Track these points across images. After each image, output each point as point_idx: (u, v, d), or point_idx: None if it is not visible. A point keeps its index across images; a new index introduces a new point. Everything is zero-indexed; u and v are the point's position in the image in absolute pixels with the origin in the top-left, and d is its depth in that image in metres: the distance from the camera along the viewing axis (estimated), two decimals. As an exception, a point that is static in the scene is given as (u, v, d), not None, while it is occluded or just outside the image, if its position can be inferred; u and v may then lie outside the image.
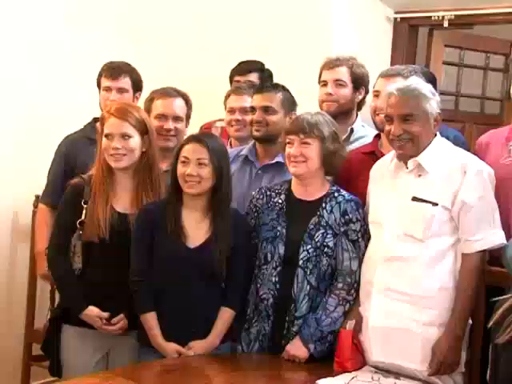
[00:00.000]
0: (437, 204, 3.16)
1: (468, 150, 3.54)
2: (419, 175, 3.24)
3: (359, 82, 4.13)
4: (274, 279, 3.36)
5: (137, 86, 4.20)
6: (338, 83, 4.10)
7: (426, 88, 3.22)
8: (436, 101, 3.22)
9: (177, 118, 3.88)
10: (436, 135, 3.29)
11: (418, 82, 3.29)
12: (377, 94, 3.85)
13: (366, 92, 4.19)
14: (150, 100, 3.99)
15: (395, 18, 5.22)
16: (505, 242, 3.12)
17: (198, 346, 3.27)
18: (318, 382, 3.03)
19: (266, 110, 3.76)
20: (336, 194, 3.42)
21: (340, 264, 3.36)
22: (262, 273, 3.39)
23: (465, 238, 3.16)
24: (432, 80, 3.93)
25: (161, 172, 3.51)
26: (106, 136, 3.34)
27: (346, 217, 3.37)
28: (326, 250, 3.34)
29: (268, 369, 3.27)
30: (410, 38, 5.27)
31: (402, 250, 3.22)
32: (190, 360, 3.22)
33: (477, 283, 3.15)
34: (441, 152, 3.25)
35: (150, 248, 3.31)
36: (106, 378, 2.97)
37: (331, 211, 3.38)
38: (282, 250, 3.37)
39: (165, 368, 3.19)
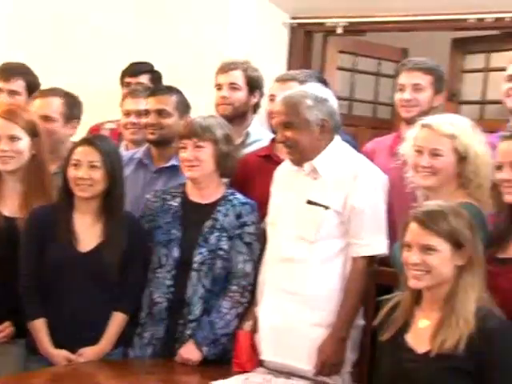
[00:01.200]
0: (328, 207, 3.21)
1: None
2: (315, 178, 3.27)
3: (254, 85, 4.14)
4: (168, 283, 3.34)
5: (32, 88, 4.08)
6: (233, 86, 4.09)
7: (310, 96, 3.25)
8: (322, 108, 3.25)
9: (47, 118, 3.73)
10: (333, 139, 3.31)
11: (303, 90, 3.32)
12: (272, 98, 3.88)
13: (261, 95, 4.20)
14: (32, 99, 3.90)
15: (291, 24, 5.28)
16: (386, 252, 3.21)
17: (88, 353, 3.21)
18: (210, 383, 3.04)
19: (160, 112, 3.74)
20: (231, 197, 3.42)
21: (234, 267, 3.36)
22: (157, 276, 3.37)
23: (353, 241, 3.22)
24: (324, 85, 3.99)
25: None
26: None
27: (241, 220, 3.39)
28: (220, 252, 3.34)
29: (161, 373, 3.23)
30: (305, 44, 5.35)
31: (294, 251, 3.25)
32: (81, 366, 3.16)
33: (363, 286, 3.22)
34: (337, 156, 3.29)
35: (39, 253, 3.23)
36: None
37: (226, 214, 3.39)
38: (176, 253, 3.35)
39: (53, 376, 3.12)
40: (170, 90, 3.86)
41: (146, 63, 4.63)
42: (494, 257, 2.87)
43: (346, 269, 3.24)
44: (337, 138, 3.36)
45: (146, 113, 3.80)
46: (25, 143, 3.28)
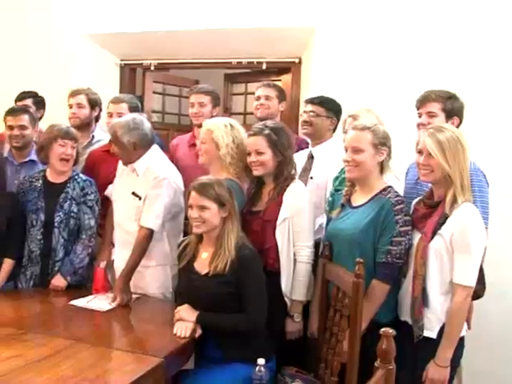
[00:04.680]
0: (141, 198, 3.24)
1: (164, 149, 3.61)
2: (136, 175, 3.27)
3: (94, 104, 4.10)
4: (39, 237, 3.33)
5: None
6: (79, 106, 4.05)
7: (123, 126, 3.20)
8: (134, 133, 3.18)
9: None
10: (149, 149, 3.26)
11: (118, 122, 3.25)
12: (110, 115, 3.92)
13: (100, 110, 4.17)
14: None
15: (120, 64, 5.20)
16: (155, 228, 3.16)
17: None
18: (71, 302, 3.05)
19: (21, 127, 3.66)
20: (76, 177, 3.44)
21: (83, 223, 3.40)
22: (31, 233, 3.34)
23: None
24: (141, 102, 4.11)
25: None
26: None
27: (84, 191, 3.40)
28: (72, 214, 3.36)
29: (39, 296, 3.23)
30: (130, 77, 5.28)
31: (127, 225, 3.28)
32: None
33: (145, 244, 3.16)
34: (149, 160, 3.26)
35: None
36: None
37: (74, 188, 3.40)
38: (42, 217, 3.33)
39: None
40: (25, 111, 3.76)
41: (30, 92, 4.35)
42: (249, 210, 3.02)
43: None
44: (153, 147, 3.31)
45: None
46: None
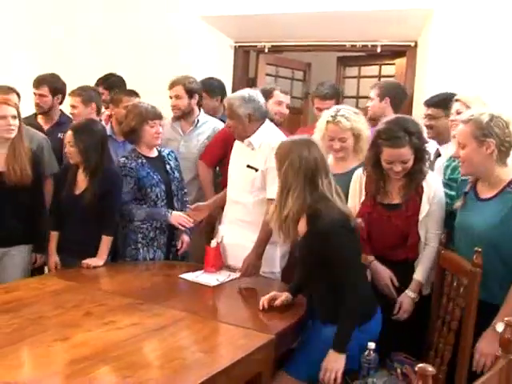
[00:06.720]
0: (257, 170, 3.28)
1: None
2: (252, 149, 3.32)
3: (191, 93, 4.07)
4: (165, 207, 3.49)
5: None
6: (177, 97, 4.06)
7: (238, 98, 3.26)
8: (248, 105, 3.22)
9: None
10: (264, 122, 3.30)
11: (233, 95, 3.35)
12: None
13: (200, 96, 4.13)
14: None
15: (235, 46, 5.29)
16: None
17: (92, 261, 3.24)
18: (181, 275, 3.13)
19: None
20: (163, 150, 3.64)
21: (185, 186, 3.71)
22: (158, 206, 3.47)
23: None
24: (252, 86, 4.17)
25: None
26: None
27: (177, 161, 3.68)
28: (179, 179, 3.63)
29: (151, 269, 3.35)
30: (244, 59, 5.37)
31: (239, 197, 3.36)
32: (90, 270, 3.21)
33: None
34: (264, 133, 3.29)
35: (58, 194, 3.42)
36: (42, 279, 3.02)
37: (170, 159, 3.62)
38: (164, 188, 3.50)
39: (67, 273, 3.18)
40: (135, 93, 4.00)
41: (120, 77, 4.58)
42: (379, 203, 2.87)
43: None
44: (266, 121, 3.34)
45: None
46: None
